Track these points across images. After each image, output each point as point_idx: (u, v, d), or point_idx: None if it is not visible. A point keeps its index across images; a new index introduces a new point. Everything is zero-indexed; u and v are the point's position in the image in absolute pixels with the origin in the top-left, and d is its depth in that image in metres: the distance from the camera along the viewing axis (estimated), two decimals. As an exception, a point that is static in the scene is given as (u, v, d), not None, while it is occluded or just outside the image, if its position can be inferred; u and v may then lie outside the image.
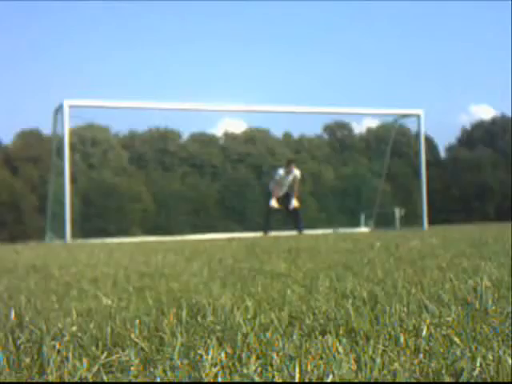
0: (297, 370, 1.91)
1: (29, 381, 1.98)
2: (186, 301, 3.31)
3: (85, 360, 2.10)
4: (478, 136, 73.01)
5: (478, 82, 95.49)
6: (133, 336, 2.45)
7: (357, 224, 29.56)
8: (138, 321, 2.74)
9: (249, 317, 2.80)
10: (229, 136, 70.73)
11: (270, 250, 8.67)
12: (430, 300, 3.08)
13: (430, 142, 56.80)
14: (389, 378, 1.86)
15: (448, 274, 4.25)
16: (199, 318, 2.80)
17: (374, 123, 68.48)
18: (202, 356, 2.08)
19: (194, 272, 5.37)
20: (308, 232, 20.53)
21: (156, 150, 66.52)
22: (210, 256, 7.62)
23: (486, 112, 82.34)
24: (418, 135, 25.98)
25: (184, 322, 2.75)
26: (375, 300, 3.16)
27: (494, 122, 74.64)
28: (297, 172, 20.54)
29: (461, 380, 1.84)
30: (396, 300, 3.08)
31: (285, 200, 20.47)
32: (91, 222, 48.64)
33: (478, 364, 1.91)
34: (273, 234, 19.08)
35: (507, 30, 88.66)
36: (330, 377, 1.85)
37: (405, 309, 2.85)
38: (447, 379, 1.85)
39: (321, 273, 4.71)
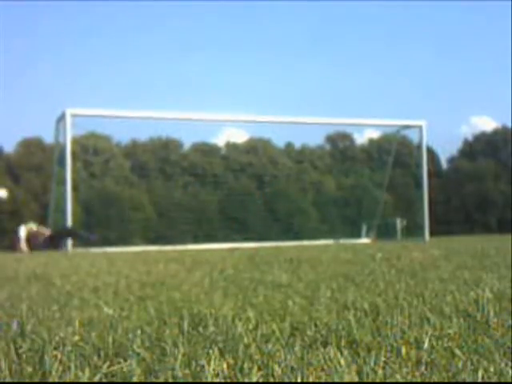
0: (299, 381, 1.91)
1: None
2: (188, 311, 3.31)
3: (87, 369, 2.10)
4: (480, 147, 72.99)
5: (478, 94, 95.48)
6: (134, 346, 2.45)
7: (358, 235, 29.58)
8: (139, 331, 2.74)
9: (250, 327, 2.80)
10: (230, 146, 70.75)
11: (271, 260, 8.66)
12: (432, 312, 3.08)
13: (431, 153, 56.79)
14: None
15: (449, 286, 4.25)
16: (201, 329, 2.80)
17: (376, 134, 68.50)
18: (203, 366, 2.08)
19: (195, 282, 5.37)
20: (309, 243, 20.51)
21: (158, 160, 66.56)
22: (211, 266, 7.61)
23: (486, 123, 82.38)
24: (419, 146, 26.01)
25: (186, 332, 2.75)
26: (377, 311, 3.16)
27: (495, 133, 74.62)
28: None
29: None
30: (397, 311, 3.08)
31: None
32: (92, 231, 48.61)
33: (479, 376, 1.91)
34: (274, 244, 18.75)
35: (507, 42, 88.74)
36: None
37: (406, 320, 2.85)
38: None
39: (322, 284, 4.71)
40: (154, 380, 2.00)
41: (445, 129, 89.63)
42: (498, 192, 65.94)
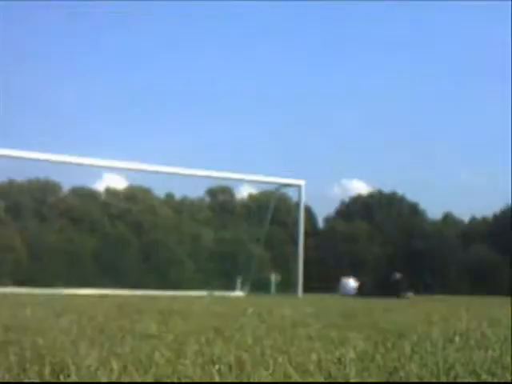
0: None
1: None
2: (51, 358, 3.24)
3: None
4: (355, 209, 74.90)
5: (349, 158, 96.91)
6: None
7: (233, 287, 29.65)
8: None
9: (113, 378, 2.76)
10: (110, 192, 70.02)
11: (142, 309, 8.58)
12: (296, 370, 3.12)
13: (308, 211, 57.84)
14: None
15: (316, 344, 4.32)
16: (62, 377, 2.74)
17: (255, 190, 69.32)
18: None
19: (62, 329, 5.25)
20: (184, 293, 20.40)
21: (34, 201, 65.11)
22: (81, 312, 7.47)
23: (359, 187, 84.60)
24: (298, 204, 26.49)
25: (46, 380, 2.69)
26: (241, 367, 3.17)
27: (371, 196, 76.84)
28: None
29: None
30: (262, 368, 3.11)
31: None
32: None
33: None
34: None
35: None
36: None
37: (270, 377, 2.88)
38: None
39: (191, 336, 4.69)
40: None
41: (321, 189, 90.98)
42: (370, 253, 67.68)
